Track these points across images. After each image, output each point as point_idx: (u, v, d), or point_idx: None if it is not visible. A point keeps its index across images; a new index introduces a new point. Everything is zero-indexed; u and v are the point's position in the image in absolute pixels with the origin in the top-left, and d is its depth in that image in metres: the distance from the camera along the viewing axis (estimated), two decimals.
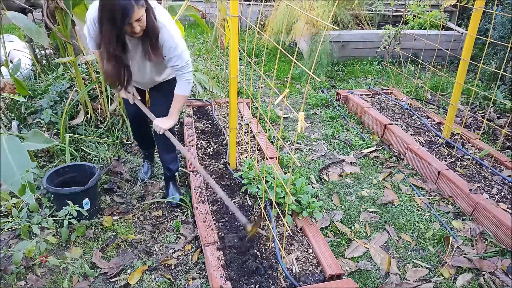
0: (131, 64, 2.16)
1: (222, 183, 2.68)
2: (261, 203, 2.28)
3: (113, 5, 1.77)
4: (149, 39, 1.98)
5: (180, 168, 2.74)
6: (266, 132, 3.36)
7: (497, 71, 3.44)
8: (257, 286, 1.91)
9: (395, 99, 4.12)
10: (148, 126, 2.71)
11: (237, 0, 2.20)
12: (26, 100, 3.28)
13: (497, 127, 3.39)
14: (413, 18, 5.51)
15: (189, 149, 3.02)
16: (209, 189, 2.63)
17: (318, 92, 4.57)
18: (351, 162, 3.18)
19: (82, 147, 3.01)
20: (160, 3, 2.55)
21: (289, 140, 3.55)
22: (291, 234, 2.25)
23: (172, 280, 2.09)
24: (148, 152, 2.89)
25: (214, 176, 2.76)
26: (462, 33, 5.35)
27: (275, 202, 2.22)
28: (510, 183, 2.74)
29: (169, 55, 2.07)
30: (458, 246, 2.33)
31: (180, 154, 3.20)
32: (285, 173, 2.84)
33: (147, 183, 2.83)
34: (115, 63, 2.02)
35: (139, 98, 2.42)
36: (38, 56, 4.07)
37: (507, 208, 2.51)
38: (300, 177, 2.51)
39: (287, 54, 1.74)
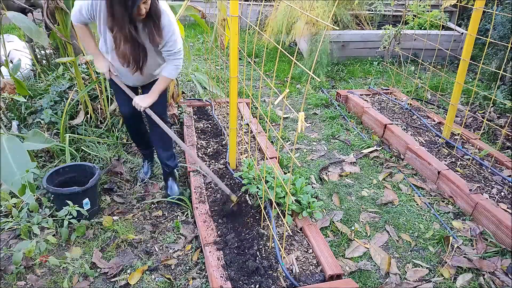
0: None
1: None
2: (261, 203, 2.28)
3: None
4: (153, 20, 2.06)
5: (179, 165, 2.75)
6: (266, 132, 3.36)
7: (497, 71, 3.44)
8: (257, 286, 1.91)
9: (395, 99, 4.12)
10: (143, 124, 2.72)
11: (237, 0, 2.20)
12: (26, 100, 3.28)
13: (497, 127, 3.40)
14: (413, 18, 5.51)
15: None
16: (209, 189, 2.63)
17: (318, 92, 4.57)
18: (351, 162, 3.18)
19: (82, 147, 3.01)
20: None
21: (289, 140, 3.55)
22: (291, 234, 2.25)
23: (172, 280, 2.09)
24: (146, 152, 2.90)
25: None
26: (462, 33, 5.35)
27: (275, 202, 2.22)
28: (510, 183, 2.74)
29: (166, 40, 2.16)
30: (458, 246, 2.33)
31: (179, 151, 3.20)
32: (285, 173, 2.84)
33: (147, 183, 2.83)
34: (132, 43, 2.09)
35: (116, 74, 2.39)
36: (38, 56, 4.07)
37: (507, 208, 2.51)
38: (300, 177, 2.51)
39: (287, 54, 1.74)
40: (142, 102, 2.32)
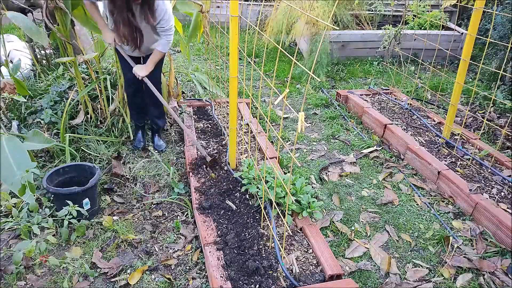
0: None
1: (222, 183, 2.68)
2: (261, 203, 2.28)
3: None
4: (148, 3, 2.40)
5: (166, 127, 3.39)
6: (266, 132, 3.36)
7: (497, 71, 3.44)
8: (257, 286, 1.91)
9: (395, 99, 4.12)
10: (143, 93, 3.02)
11: (237, 0, 2.20)
12: (26, 100, 3.28)
13: (497, 127, 3.39)
14: (413, 18, 5.51)
15: (189, 149, 3.03)
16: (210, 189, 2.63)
17: (318, 92, 4.57)
18: (351, 162, 3.18)
19: (82, 147, 3.01)
20: None
21: (289, 140, 3.55)
22: (291, 234, 2.25)
23: (172, 280, 2.09)
24: (141, 123, 3.20)
25: None
26: (462, 33, 5.35)
27: (275, 202, 2.21)
28: (510, 183, 2.74)
29: (159, 18, 2.51)
30: (458, 246, 2.33)
31: (179, 151, 3.20)
32: (285, 173, 2.84)
33: (146, 183, 2.83)
34: (129, 27, 2.48)
35: (119, 44, 2.72)
36: (38, 56, 4.07)
37: (507, 208, 2.51)
38: (300, 177, 2.51)
39: (287, 54, 1.74)
40: (140, 71, 2.72)
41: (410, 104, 3.97)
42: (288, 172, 2.91)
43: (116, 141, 3.18)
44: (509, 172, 2.88)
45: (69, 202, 2.23)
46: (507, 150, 3.25)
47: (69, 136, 2.93)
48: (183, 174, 2.94)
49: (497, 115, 3.83)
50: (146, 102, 3.08)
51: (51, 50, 4.18)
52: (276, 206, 2.27)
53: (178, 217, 2.55)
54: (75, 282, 2.04)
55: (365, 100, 4.07)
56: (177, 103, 3.72)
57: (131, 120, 3.28)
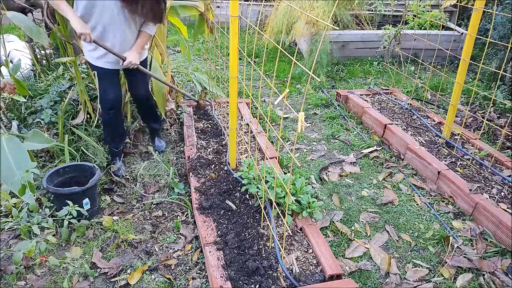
0: (119, 25, 2.50)
1: (222, 183, 2.68)
2: (261, 203, 2.28)
3: None
4: None
5: (163, 126, 3.49)
6: (266, 132, 3.37)
7: (497, 71, 3.44)
8: (257, 286, 1.91)
9: (395, 99, 4.12)
10: (122, 116, 3.00)
11: (237, 0, 2.20)
12: (26, 100, 3.28)
13: (497, 127, 3.40)
14: (413, 18, 5.51)
15: (189, 149, 3.03)
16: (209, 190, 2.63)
17: (318, 92, 4.57)
18: (351, 162, 3.18)
19: (82, 148, 3.00)
20: None
21: (289, 140, 3.55)
22: (291, 234, 2.25)
23: (172, 280, 2.09)
24: (118, 148, 2.94)
25: None
26: (462, 33, 5.35)
27: (275, 202, 2.22)
28: (510, 183, 2.74)
29: None
30: (458, 246, 2.33)
31: (178, 152, 3.20)
32: (285, 173, 2.84)
33: (146, 183, 2.83)
34: None
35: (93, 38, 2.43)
36: (38, 56, 4.07)
37: (507, 208, 2.51)
38: (300, 177, 2.51)
39: (287, 54, 1.74)
40: (133, 59, 2.54)
41: (410, 104, 3.97)
42: (288, 172, 2.91)
43: None
44: (509, 172, 2.88)
45: (69, 202, 2.23)
46: (507, 150, 3.25)
47: (70, 135, 2.92)
48: (183, 174, 2.94)
49: (497, 115, 3.83)
50: (142, 113, 3.14)
51: (51, 50, 4.18)
52: (276, 206, 2.27)
53: (178, 217, 2.55)
54: (75, 282, 2.04)
55: (365, 100, 4.07)
56: (176, 103, 3.72)
57: (105, 143, 2.99)
